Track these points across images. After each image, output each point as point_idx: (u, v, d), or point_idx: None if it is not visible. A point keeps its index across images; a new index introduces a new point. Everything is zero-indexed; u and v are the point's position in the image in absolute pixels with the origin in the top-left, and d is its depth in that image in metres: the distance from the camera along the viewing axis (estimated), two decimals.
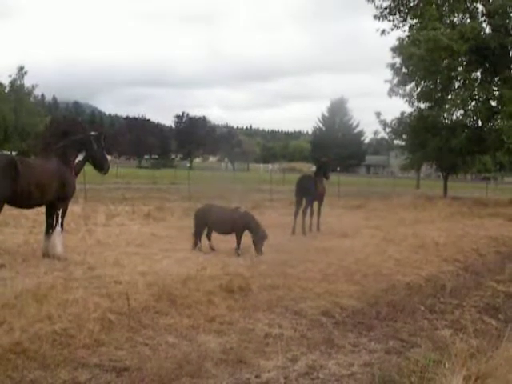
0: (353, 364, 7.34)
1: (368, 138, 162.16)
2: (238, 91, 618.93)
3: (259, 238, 14.52)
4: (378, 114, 48.30)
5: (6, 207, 12.62)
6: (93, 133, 14.33)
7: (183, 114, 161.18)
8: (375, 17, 46.54)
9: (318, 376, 6.88)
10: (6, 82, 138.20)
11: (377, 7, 46.46)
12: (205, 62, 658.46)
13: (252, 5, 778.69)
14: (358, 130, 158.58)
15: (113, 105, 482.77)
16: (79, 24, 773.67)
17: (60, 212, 13.46)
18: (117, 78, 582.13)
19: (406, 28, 46.91)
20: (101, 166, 14.40)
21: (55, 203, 13.34)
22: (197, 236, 15.16)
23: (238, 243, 14.69)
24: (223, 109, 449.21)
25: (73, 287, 9.87)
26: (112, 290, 9.75)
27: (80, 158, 13.88)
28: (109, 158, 14.66)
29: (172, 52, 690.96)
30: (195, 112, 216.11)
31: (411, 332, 8.99)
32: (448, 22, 44.99)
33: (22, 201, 12.77)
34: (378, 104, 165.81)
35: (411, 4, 46.13)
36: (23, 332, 7.40)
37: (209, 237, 15.32)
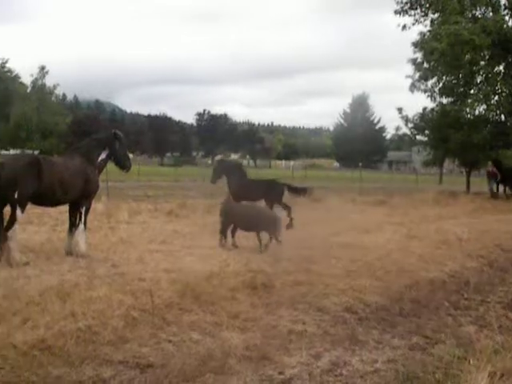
0: (376, 360, 7.30)
1: (390, 133, 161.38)
2: (259, 88, 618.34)
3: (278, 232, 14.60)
4: (400, 110, 47.97)
5: (29, 205, 12.70)
6: (115, 131, 14.40)
7: (204, 111, 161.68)
8: (396, 12, 46.20)
9: (341, 373, 6.85)
10: (28, 81, 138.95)
11: (397, 2, 46.13)
12: (225, 59, 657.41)
13: (270, 1, 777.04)
14: (379, 125, 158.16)
15: (134, 103, 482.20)
16: (99, 23, 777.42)
17: (83, 210, 13.52)
18: (137, 77, 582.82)
19: (428, 23, 46.48)
20: (123, 164, 14.45)
21: (78, 201, 13.40)
22: (224, 233, 15.12)
23: (260, 240, 14.65)
24: (244, 106, 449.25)
25: (96, 284, 9.92)
26: (135, 287, 9.79)
27: (103, 156, 13.94)
28: (130, 156, 14.70)
29: (193, 50, 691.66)
30: (216, 109, 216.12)
31: (435, 328, 8.91)
32: (470, 15, 44.57)
33: (46, 199, 12.85)
34: (400, 99, 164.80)
35: None
36: (48, 329, 7.45)
37: (233, 233, 15.25)
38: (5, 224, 12.03)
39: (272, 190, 19.98)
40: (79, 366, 6.59)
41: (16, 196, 11.93)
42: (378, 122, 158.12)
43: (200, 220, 21.19)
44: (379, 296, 10.55)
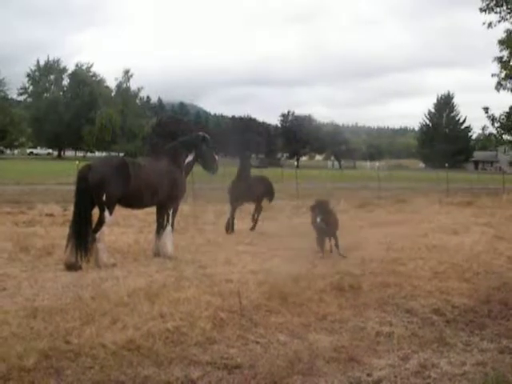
0: (465, 363, 7.14)
1: (475, 133, 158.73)
2: (342, 89, 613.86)
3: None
4: (486, 109, 46.99)
5: (116, 207, 12.87)
6: (201, 133, 14.48)
7: (288, 112, 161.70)
8: (481, 9, 45.23)
9: (429, 375, 6.73)
10: (113, 85, 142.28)
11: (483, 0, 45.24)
12: (307, 60, 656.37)
13: (351, 2, 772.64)
14: (465, 125, 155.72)
15: (218, 105, 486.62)
16: (184, 25, 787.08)
17: (170, 212, 13.64)
18: (221, 78, 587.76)
19: None
20: (210, 166, 14.52)
21: (166, 203, 13.53)
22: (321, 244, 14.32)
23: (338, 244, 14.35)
24: (327, 107, 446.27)
25: (184, 286, 10.02)
26: (223, 289, 9.85)
27: (189, 158, 14.04)
28: (216, 158, 14.75)
29: (275, 51, 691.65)
30: (300, 110, 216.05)
31: None
32: None
33: (134, 201, 13.02)
34: (485, 98, 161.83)
35: None
36: (136, 330, 7.55)
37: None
38: (93, 226, 12.23)
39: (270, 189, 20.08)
40: (167, 367, 6.64)
41: (104, 198, 12.13)
42: (464, 121, 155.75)
43: (286, 221, 21.17)
44: (467, 298, 10.31)
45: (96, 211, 12.39)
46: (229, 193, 18.97)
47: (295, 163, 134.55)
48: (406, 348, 7.66)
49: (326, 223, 13.89)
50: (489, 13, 45.35)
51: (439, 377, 6.69)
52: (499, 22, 45.52)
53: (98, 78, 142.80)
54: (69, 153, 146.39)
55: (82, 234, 11.88)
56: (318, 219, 13.68)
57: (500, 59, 45.13)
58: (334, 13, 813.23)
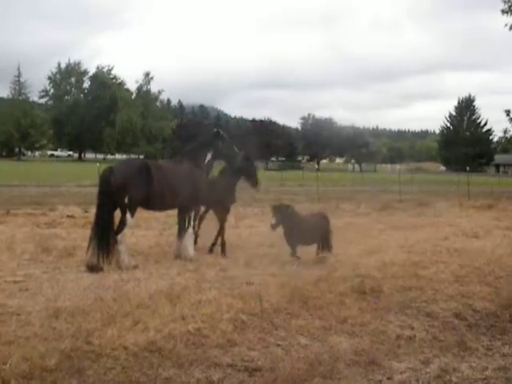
0: (486, 368, 7.11)
1: (497, 136, 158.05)
2: (362, 92, 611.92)
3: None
4: (508, 112, 46.87)
5: (137, 210, 12.91)
6: (217, 130, 14.49)
7: (309, 115, 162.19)
8: (503, 11, 45.10)
9: (450, 379, 6.71)
10: (133, 88, 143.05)
11: (505, 1, 45.06)
12: (327, 63, 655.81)
13: (372, 4, 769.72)
14: (486, 128, 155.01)
15: (238, 107, 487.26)
16: (202, 28, 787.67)
17: (192, 214, 13.66)
18: (241, 81, 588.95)
19: None
20: (230, 160, 14.45)
21: (187, 206, 13.55)
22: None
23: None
24: (348, 110, 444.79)
25: (205, 288, 10.06)
26: (244, 291, 9.88)
27: (208, 157, 14.04)
28: (236, 150, 14.66)
29: (295, 54, 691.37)
30: (320, 113, 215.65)
31: None
32: None
33: (155, 204, 13.04)
34: (507, 101, 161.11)
35: None
36: (157, 331, 7.58)
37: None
38: (115, 228, 12.27)
39: None
40: (188, 369, 6.65)
41: (126, 201, 12.17)
42: (485, 124, 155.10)
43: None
44: (489, 302, 10.26)
45: (118, 213, 12.43)
46: None
47: (316, 166, 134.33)
48: (427, 352, 7.64)
49: (288, 227, 13.55)
50: (511, 15, 45.20)
51: (460, 381, 6.68)
52: None
53: (119, 81, 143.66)
54: (89, 155, 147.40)
55: (104, 236, 11.91)
56: (273, 222, 13.50)
57: None
58: (354, 15, 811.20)
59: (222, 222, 14.55)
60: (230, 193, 14.73)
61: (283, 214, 13.48)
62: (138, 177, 12.29)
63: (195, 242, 14.38)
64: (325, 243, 13.84)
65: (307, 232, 13.63)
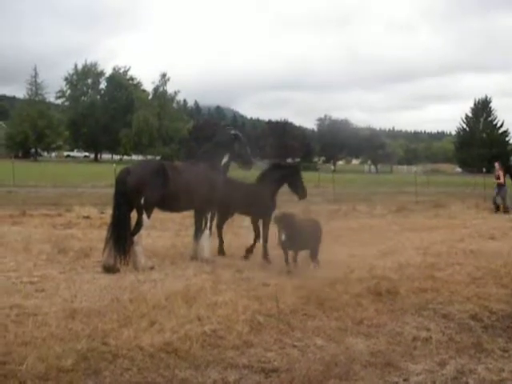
0: (503, 369, 7.06)
1: None
2: (378, 93, 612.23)
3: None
4: None
5: (154, 211, 12.92)
6: (234, 132, 14.46)
7: (325, 116, 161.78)
8: None
9: (467, 381, 6.69)
10: (150, 88, 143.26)
11: None
12: (343, 64, 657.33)
13: (386, 5, 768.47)
14: (502, 129, 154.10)
15: (254, 108, 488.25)
16: (220, 29, 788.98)
17: (208, 216, 13.66)
18: (258, 82, 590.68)
19: None
20: (246, 162, 14.38)
21: (204, 207, 13.54)
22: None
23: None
24: (364, 111, 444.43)
25: (221, 289, 10.08)
26: (260, 293, 9.89)
27: (225, 159, 14.00)
28: (249, 151, 14.62)
29: (311, 56, 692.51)
30: (336, 115, 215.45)
31: None
32: None
33: (172, 205, 13.04)
34: None
35: None
36: (174, 332, 7.59)
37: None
38: (131, 229, 12.29)
39: None
40: (204, 370, 6.66)
41: (143, 202, 12.18)
42: (501, 125, 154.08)
43: (323, 227, 21.06)
44: (505, 304, 10.20)
45: (134, 214, 12.45)
46: None
47: (332, 167, 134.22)
48: (443, 353, 7.60)
49: (289, 237, 12.51)
50: None
51: (476, 383, 6.66)
52: None
53: (135, 82, 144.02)
54: (105, 156, 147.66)
55: (121, 237, 11.93)
56: (283, 236, 12.43)
57: None
58: (369, 17, 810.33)
59: (265, 228, 14.34)
60: (272, 200, 14.62)
61: (289, 225, 12.57)
62: (154, 178, 12.30)
63: (223, 253, 14.39)
64: (313, 250, 13.34)
65: (302, 238, 12.97)
